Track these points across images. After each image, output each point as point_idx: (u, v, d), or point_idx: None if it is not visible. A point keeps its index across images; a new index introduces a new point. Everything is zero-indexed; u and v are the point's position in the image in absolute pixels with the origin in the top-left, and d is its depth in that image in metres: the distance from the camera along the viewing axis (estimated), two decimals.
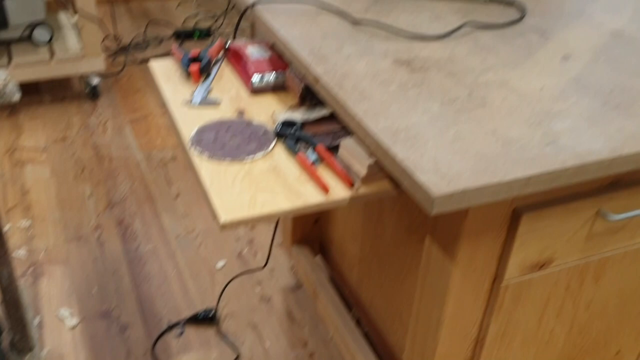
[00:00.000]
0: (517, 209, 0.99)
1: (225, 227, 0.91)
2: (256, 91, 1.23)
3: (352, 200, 0.97)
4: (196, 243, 2.05)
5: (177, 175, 2.36)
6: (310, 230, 1.79)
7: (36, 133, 2.57)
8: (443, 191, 0.82)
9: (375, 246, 1.46)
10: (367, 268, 1.53)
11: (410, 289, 1.33)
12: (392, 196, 1.00)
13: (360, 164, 0.99)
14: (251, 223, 0.94)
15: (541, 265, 1.08)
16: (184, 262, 1.97)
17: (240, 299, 1.85)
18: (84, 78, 2.79)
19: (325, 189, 0.97)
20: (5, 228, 2.07)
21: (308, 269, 1.74)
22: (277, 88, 1.24)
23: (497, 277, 1.06)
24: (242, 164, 1.03)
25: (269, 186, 0.98)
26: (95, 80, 2.75)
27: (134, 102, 2.82)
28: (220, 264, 1.97)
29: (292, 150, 1.05)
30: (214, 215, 0.94)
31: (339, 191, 0.98)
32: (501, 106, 1.04)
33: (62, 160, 2.42)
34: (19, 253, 1.98)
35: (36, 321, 1.74)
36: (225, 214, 0.92)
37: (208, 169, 1.01)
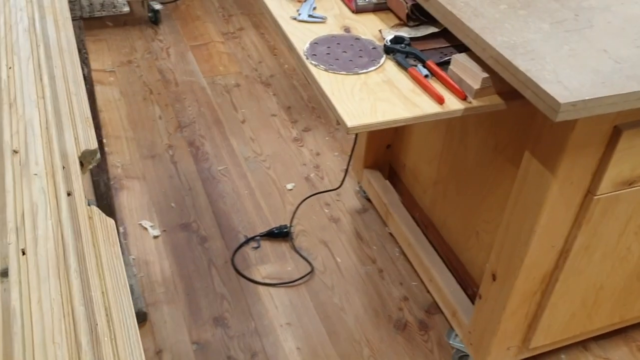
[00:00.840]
0: (619, 126, 1.05)
1: (351, 131, 0.98)
2: (359, 11, 1.27)
3: (466, 111, 1.04)
4: (265, 166, 2.13)
5: (241, 102, 2.43)
6: (382, 155, 1.86)
7: (102, 56, 2.64)
8: (568, 100, 0.88)
9: (455, 168, 1.53)
10: (442, 190, 1.61)
11: (491, 206, 1.40)
12: (501, 109, 1.06)
13: (473, 78, 1.04)
14: (373, 128, 1.01)
15: (631, 183, 1.14)
16: (255, 183, 2.06)
17: (311, 219, 1.94)
18: (146, 2, 2.84)
19: (440, 100, 1.03)
20: None
21: (380, 191, 1.83)
22: (378, 9, 1.29)
23: (590, 191, 1.13)
24: (357, 76, 1.09)
25: (386, 96, 1.05)
26: (157, 5, 2.80)
27: (194, 29, 2.87)
28: (290, 185, 2.06)
29: (403, 65, 1.10)
30: (337, 122, 1.01)
31: (453, 103, 1.04)
32: (607, 28, 1.08)
33: (130, 83, 2.50)
34: None
35: (121, 230, 1.86)
36: (350, 120, 0.99)
37: (326, 80, 1.08)
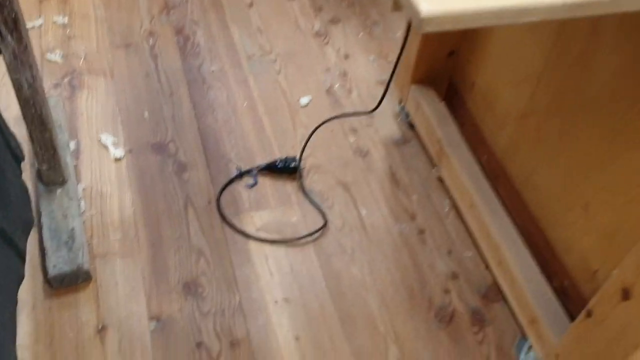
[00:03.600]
0: None
1: (426, 24, 0.44)
2: None
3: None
4: (274, 69, 1.59)
5: None
6: (441, 65, 1.30)
7: None
8: None
9: (564, 98, 0.98)
10: (534, 128, 1.07)
11: (626, 169, 0.87)
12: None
13: None
14: (456, 26, 0.47)
15: None
16: (259, 92, 1.53)
17: (329, 150, 1.42)
18: None
19: None
20: (37, 22, 1.64)
21: (432, 118, 1.28)
22: None
23: None
24: None
25: None
26: None
27: None
28: (305, 100, 1.52)
29: None
30: (394, 5, 0.47)
31: None
32: None
33: None
34: (52, 56, 1.56)
35: (71, 147, 1.36)
36: (428, 4, 0.44)
37: None
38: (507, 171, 1.16)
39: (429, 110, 1.29)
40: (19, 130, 1.36)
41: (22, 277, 0.96)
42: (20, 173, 1.05)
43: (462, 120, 1.30)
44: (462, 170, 1.20)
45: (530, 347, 1.04)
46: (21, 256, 0.98)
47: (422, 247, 1.27)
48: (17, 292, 0.97)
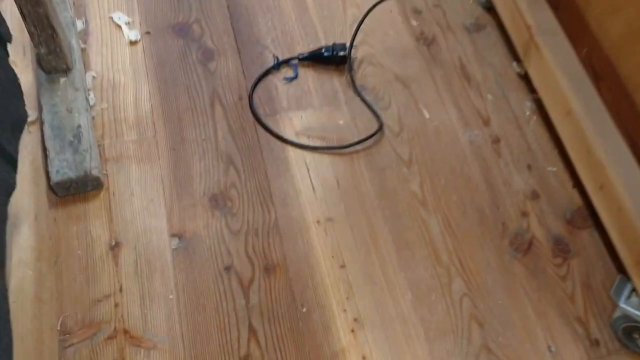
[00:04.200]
0: None
1: None
2: None
3: None
4: None
5: None
6: None
7: None
8: None
9: None
10: None
11: None
12: None
13: None
14: None
15: None
16: None
17: (386, 36, 1.17)
18: None
19: None
20: None
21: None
22: None
23: None
24: None
25: None
26: None
27: None
28: None
29: None
30: None
31: None
32: None
33: None
34: None
35: (78, 27, 1.14)
36: None
37: None
38: (617, 70, 0.90)
39: None
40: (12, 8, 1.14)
41: (12, 187, 0.79)
42: (7, 56, 0.84)
43: (558, 3, 1.03)
44: (556, 67, 0.95)
45: (633, 291, 0.84)
46: (10, 161, 0.80)
47: (496, 160, 1.05)
48: (6, 204, 0.81)
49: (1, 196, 0.77)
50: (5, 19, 0.93)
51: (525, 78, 1.13)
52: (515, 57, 1.14)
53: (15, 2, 0.91)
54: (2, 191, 0.77)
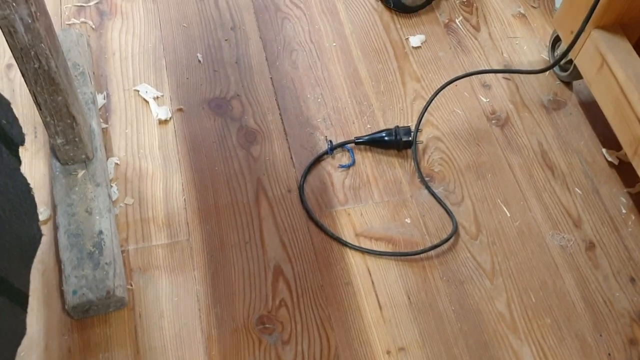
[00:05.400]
0: None
1: None
2: None
3: None
4: None
5: None
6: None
7: None
8: None
9: None
10: None
11: None
12: None
13: None
14: None
15: None
16: (354, 28, 1.10)
17: (453, 114, 1.01)
18: None
19: None
20: None
21: (618, 70, 0.85)
22: None
23: None
24: None
25: None
26: None
27: None
28: (417, 40, 1.09)
29: None
30: None
31: None
32: None
33: None
34: None
35: (99, 102, 0.98)
36: None
37: None
38: None
39: (614, 61, 0.86)
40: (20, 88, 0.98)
41: (21, 335, 0.63)
42: (18, 164, 0.68)
43: None
44: None
45: None
46: (19, 301, 0.64)
47: (592, 271, 0.88)
48: (14, 356, 0.64)
49: (6, 350, 0.60)
50: (13, 107, 0.77)
51: (616, 167, 0.97)
52: (606, 143, 0.99)
53: (30, 90, 0.76)
54: (7, 345, 0.61)
